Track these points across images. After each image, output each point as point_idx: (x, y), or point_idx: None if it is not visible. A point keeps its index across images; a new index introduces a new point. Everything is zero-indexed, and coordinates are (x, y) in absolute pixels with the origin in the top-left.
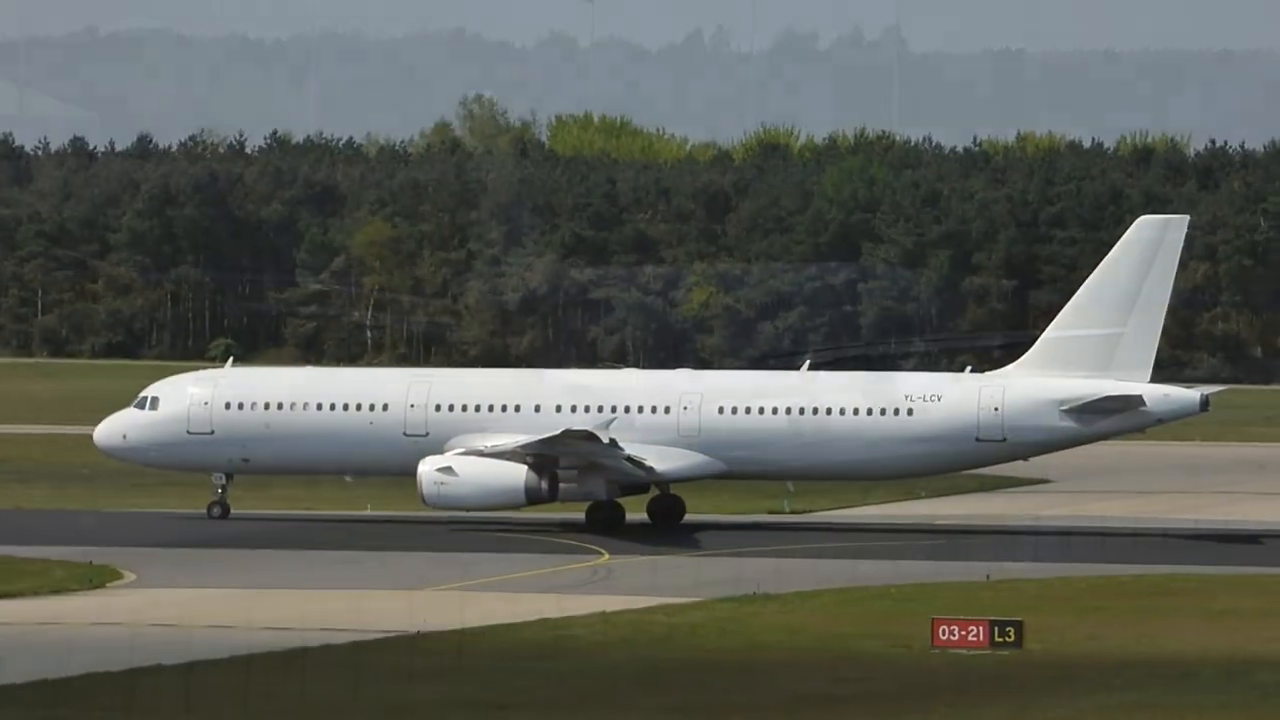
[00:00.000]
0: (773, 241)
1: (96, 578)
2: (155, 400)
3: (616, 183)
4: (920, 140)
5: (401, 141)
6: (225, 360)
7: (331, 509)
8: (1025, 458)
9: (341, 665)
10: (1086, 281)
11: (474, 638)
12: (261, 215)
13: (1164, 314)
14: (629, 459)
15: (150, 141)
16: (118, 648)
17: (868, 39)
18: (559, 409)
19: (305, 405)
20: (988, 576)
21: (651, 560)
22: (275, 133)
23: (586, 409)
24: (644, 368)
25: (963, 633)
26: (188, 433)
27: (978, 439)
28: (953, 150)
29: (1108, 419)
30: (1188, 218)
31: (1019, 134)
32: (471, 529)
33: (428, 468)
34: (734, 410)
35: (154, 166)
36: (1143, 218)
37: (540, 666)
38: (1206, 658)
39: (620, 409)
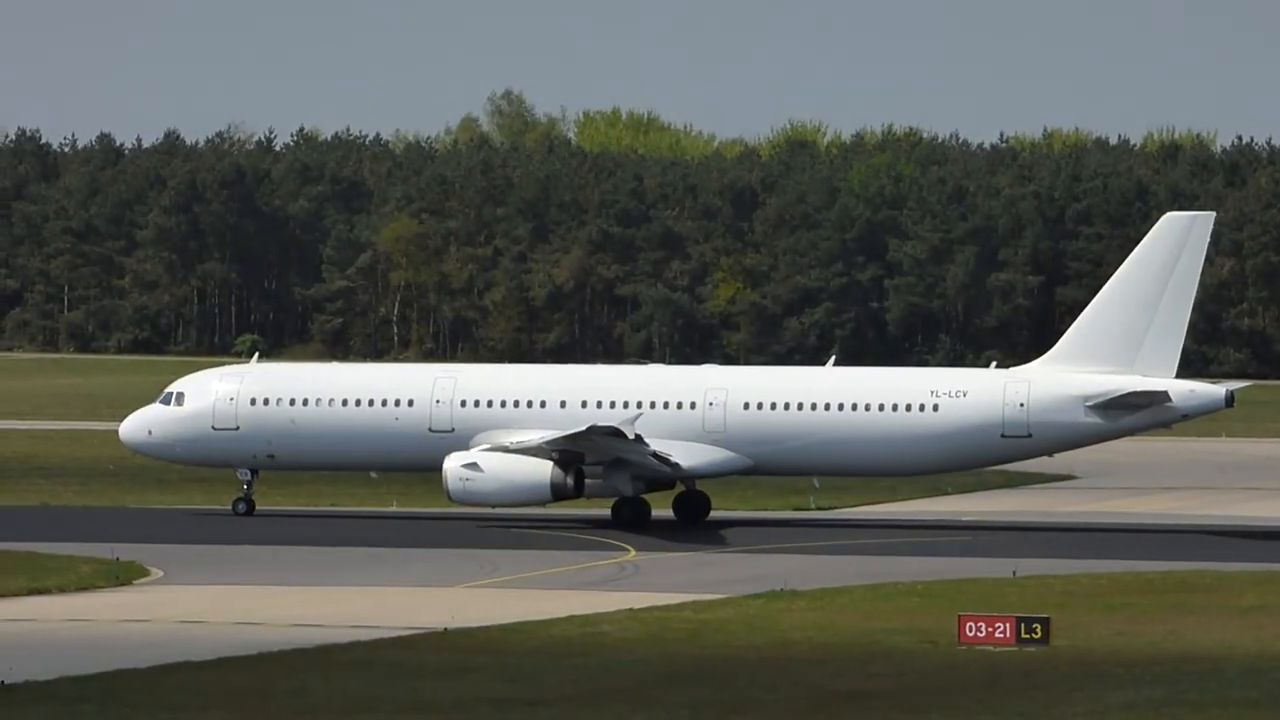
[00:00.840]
0: (799, 238)
1: (123, 574)
2: (181, 396)
3: (644, 179)
4: (947, 136)
5: (429, 138)
6: (251, 356)
7: (357, 505)
8: (1051, 454)
9: (369, 662)
10: (1112, 277)
11: (501, 634)
12: (288, 211)
13: (1190, 310)
14: (655, 455)
15: (177, 138)
16: (144, 644)
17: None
18: (584, 404)
19: (330, 401)
20: (1014, 573)
21: (678, 557)
22: (303, 129)
23: (612, 404)
24: (670, 363)
25: (989, 629)
26: (213, 428)
27: (1003, 435)
28: (979, 146)
29: (1133, 415)
30: (1214, 214)
31: (1046, 130)
32: (497, 525)
33: (453, 464)
34: (760, 406)
35: (181, 163)
36: (1169, 214)
37: (568, 663)
38: (1233, 655)
39: (646, 405)
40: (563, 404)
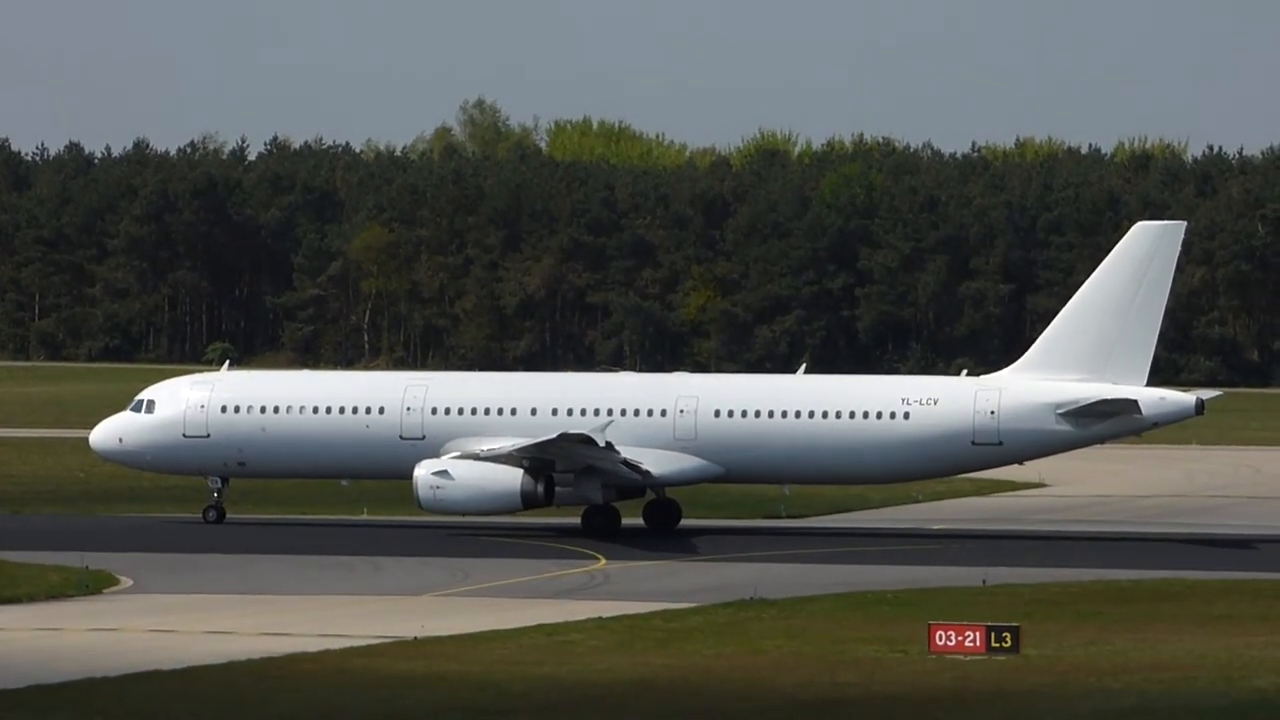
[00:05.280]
0: (770, 246)
1: (93, 583)
2: (151, 403)
3: (615, 188)
4: (919, 146)
5: (401, 147)
6: (222, 364)
7: (327, 513)
8: (1021, 461)
9: (338, 670)
10: (1083, 286)
11: (471, 643)
12: (260, 220)
13: (1161, 318)
14: (625, 463)
15: (147, 147)
16: (114, 653)
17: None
18: (555, 412)
19: (301, 409)
20: (984, 581)
21: (648, 565)
22: (275, 137)
23: (583, 412)
24: (641, 371)
25: (959, 638)
26: (183, 436)
27: (974, 442)
28: (951, 156)
29: (1104, 423)
30: (1185, 224)
31: (1017, 140)
32: (467, 533)
33: (424, 471)
34: (731, 414)
35: (152, 172)
36: (1140, 224)
37: (537, 672)
38: (1204, 663)
39: (617, 413)
40: (533, 412)
